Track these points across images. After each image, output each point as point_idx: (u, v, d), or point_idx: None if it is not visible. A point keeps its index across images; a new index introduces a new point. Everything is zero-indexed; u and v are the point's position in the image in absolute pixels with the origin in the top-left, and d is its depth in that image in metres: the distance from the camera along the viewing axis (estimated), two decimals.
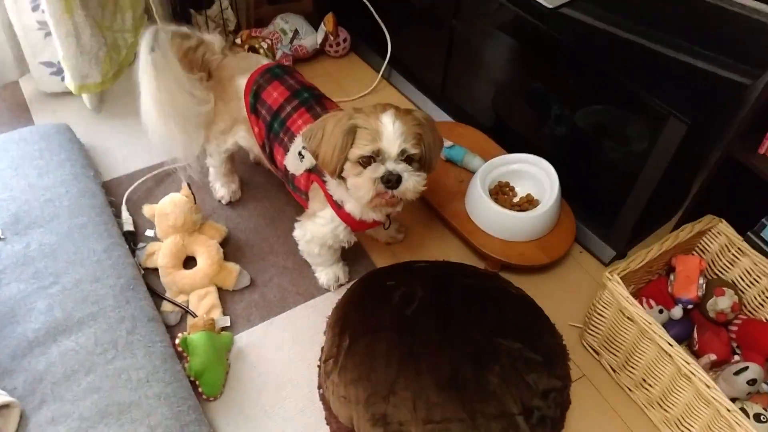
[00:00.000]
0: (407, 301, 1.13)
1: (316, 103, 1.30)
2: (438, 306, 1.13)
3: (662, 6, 1.47)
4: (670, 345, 1.14)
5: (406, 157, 1.13)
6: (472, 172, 1.56)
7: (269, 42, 1.90)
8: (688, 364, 1.11)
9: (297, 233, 1.36)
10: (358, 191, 1.15)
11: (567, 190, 1.47)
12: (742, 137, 1.24)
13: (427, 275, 1.20)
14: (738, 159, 1.26)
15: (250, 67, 1.36)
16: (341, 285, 1.44)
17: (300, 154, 1.28)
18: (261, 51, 1.89)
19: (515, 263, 1.42)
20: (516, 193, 1.53)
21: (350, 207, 1.24)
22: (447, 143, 1.60)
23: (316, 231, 1.31)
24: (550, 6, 1.42)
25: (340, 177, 1.17)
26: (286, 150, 1.30)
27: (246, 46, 1.90)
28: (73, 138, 1.61)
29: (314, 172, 1.27)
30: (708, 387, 1.08)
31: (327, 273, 1.43)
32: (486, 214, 1.45)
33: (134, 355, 1.19)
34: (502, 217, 1.43)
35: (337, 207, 1.26)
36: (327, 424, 1.16)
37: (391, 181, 1.12)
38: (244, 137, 1.41)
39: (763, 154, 1.24)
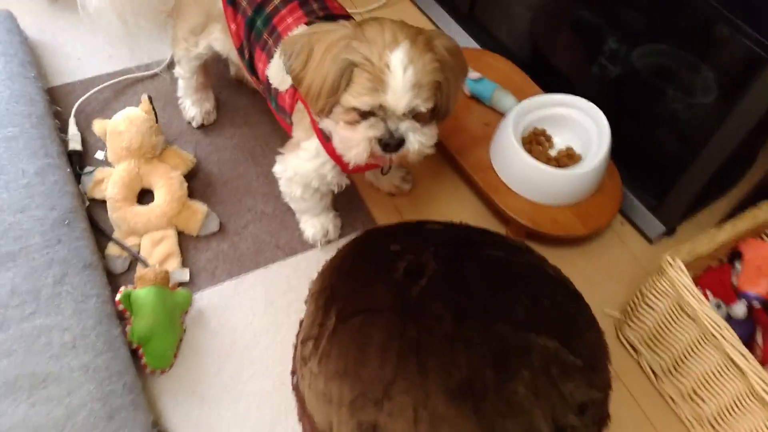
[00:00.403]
0: (414, 276, 0.86)
1: None
2: (454, 285, 0.86)
3: None
4: (745, 358, 0.89)
5: (414, 113, 0.85)
6: (502, 114, 1.28)
7: None
8: (766, 384, 0.87)
9: (277, 168, 1.08)
10: (347, 146, 0.89)
11: (614, 148, 1.19)
12: None
13: (442, 241, 0.93)
14: None
15: None
16: (330, 241, 1.18)
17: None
18: None
19: (545, 231, 1.16)
20: (553, 144, 1.25)
21: (330, 125, 0.94)
22: (473, 75, 1.30)
23: (299, 167, 1.04)
24: None
25: (325, 117, 0.89)
26: (270, 56, 1.00)
27: None
28: (14, 28, 1.30)
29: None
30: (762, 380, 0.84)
31: (314, 224, 1.16)
32: (516, 168, 1.17)
33: (60, 311, 0.93)
34: (536, 172, 1.15)
35: (325, 139, 0.97)
36: (299, 420, 0.92)
37: (391, 144, 0.85)
38: (220, 39, 1.11)
39: None
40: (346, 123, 0.87)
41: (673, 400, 1.05)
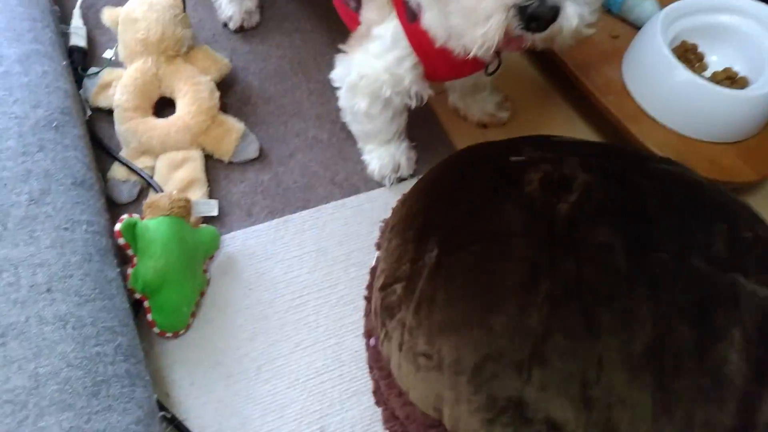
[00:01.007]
0: (558, 189, 0.56)
1: None
2: (620, 203, 0.56)
3: None
4: None
5: None
6: (635, 25, 0.97)
7: None
8: None
9: (337, 71, 0.79)
10: (469, 19, 0.57)
11: None
12: None
13: (587, 152, 0.63)
14: None
15: None
16: (402, 179, 0.88)
17: None
18: None
19: (704, 176, 0.84)
20: (706, 65, 0.93)
21: (431, 19, 0.65)
22: None
23: (367, 66, 0.74)
24: None
25: None
26: None
27: None
28: None
29: None
30: None
31: (381, 155, 0.87)
32: (665, 88, 0.86)
33: (35, 240, 0.65)
34: (696, 92, 0.83)
35: (409, 18, 0.67)
36: (377, 404, 0.63)
37: (541, 16, 0.55)
38: None
39: None
40: None
41: None
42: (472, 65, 0.72)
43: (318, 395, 0.69)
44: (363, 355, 0.71)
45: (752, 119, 0.85)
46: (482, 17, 0.55)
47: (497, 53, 0.69)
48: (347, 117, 0.84)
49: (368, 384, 0.69)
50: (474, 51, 0.58)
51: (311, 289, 0.77)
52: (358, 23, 0.76)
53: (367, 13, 0.73)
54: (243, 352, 0.72)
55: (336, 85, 0.80)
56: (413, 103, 0.78)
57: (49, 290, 0.63)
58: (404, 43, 0.70)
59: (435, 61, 0.71)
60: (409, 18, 0.67)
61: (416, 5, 0.66)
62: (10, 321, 0.60)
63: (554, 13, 0.54)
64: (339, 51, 0.79)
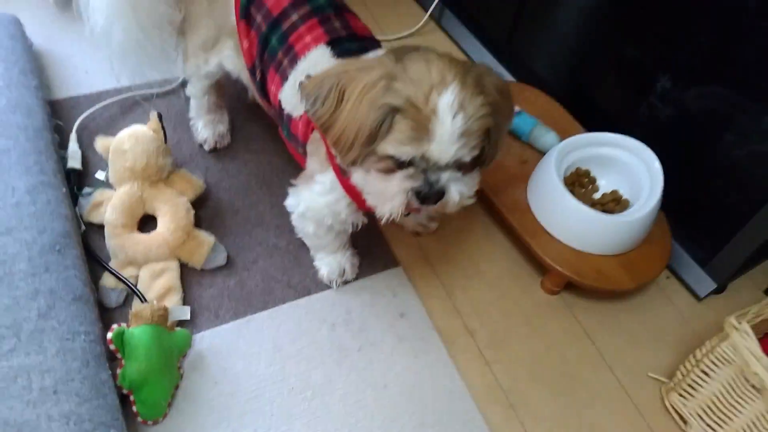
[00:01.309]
0: None
1: (335, 14, 0.91)
2: None
3: None
4: None
5: (458, 164, 0.75)
6: (540, 151, 1.18)
7: None
8: None
9: (289, 201, 0.98)
10: (380, 198, 0.79)
11: (663, 195, 1.08)
12: None
13: None
14: None
15: None
16: (347, 282, 1.07)
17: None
18: None
19: (589, 283, 1.04)
20: (598, 187, 1.14)
21: (357, 180, 0.84)
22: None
23: (312, 201, 0.93)
24: None
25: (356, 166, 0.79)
26: (284, 78, 0.91)
27: None
28: (18, 34, 1.22)
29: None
30: None
31: (329, 263, 1.05)
32: (557, 211, 1.07)
33: (43, 350, 0.82)
34: (581, 217, 1.04)
35: (342, 173, 0.87)
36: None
37: (430, 196, 0.75)
38: (231, 57, 1.02)
39: None
40: (380, 172, 0.77)
41: None
42: None
43: None
44: None
45: (629, 237, 1.06)
46: (388, 198, 0.75)
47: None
48: (300, 233, 1.03)
49: None
50: (385, 219, 0.78)
51: (266, 382, 0.94)
52: (303, 161, 0.95)
53: (311, 163, 0.92)
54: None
55: (289, 210, 0.99)
56: (351, 229, 0.97)
57: (55, 392, 0.79)
58: (339, 189, 0.89)
59: (363, 202, 0.90)
60: (342, 172, 0.87)
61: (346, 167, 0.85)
62: (25, 419, 0.76)
63: (441, 194, 0.74)
64: (295, 173, 0.97)
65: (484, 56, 1.44)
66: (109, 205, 1.03)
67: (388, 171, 0.76)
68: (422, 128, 0.71)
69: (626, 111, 1.22)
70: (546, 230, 1.08)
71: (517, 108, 1.21)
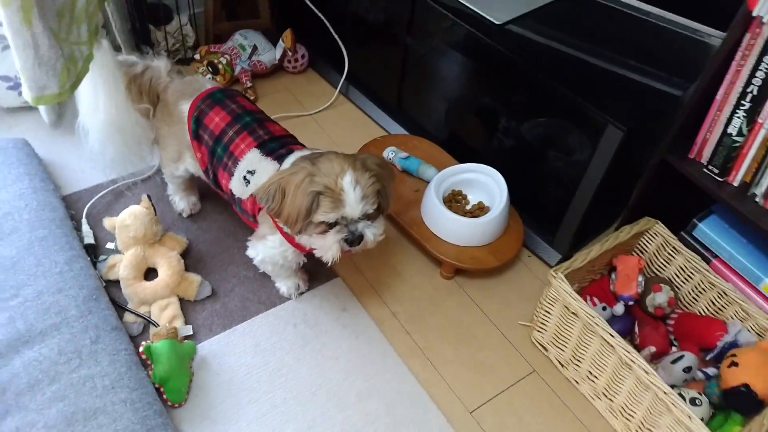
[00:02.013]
0: None
1: (258, 126, 1.33)
2: None
3: (600, 23, 1.57)
4: (612, 336, 1.22)
5: (366, 215, 1.19)
6: (427, 182, 1.64)
7: (228, 57, 1.95)
8: (629, 353, 1.20)
9: (249, 252, 1.40)
10: (324, 251, 1.21)
11: (515, 198, 1.56)
12: (675, 143, 1.34)
13: None
14: (671, 163, 1.35)
15: (194, 92, 1.38)
16: (302, 293, 1.49)
17: (245, 178, 1.30)
18: (220, 66, 1.93)
19: (468, 267, 1.50)
20: (468, 201, 1.60)
21: (300, 240, 1.26)
22: (402, 154, 1.67)
23: (267, 253, 1.36)
24: (498, 22, 1.50)
25: (302, 233, 1.21)
26: (231, 174, 1.32)
27: (205, 62, 1.94)
28: (31, 153, 1.62)
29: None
30: (647, 373, 1.17)
31: (286, 283, 1.47)
32: (440, 221, 1.52)
33: (99, 363, 1.21)
34: (455, 223, 1.50)
35: (285, 234, 1.29)
36: None
37: (354, 241, 1.19)
38: (192, 164, 1.44)
39: (693, 158, 1.34)
40: (318, 233, 1.19)
41: (576, 381, 1.37)
42: None
43: (264, 427, 1.25)
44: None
45: (491, 232, 1.52)
46: (328, 247, 1.18)
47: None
48: (261, 269, 1.43)
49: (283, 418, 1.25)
50: (330, 262, 1.21)
51: (253, 368, 1.34)
52: (255, 226, 1.37)
53: (263, 228, 1.34)
54: (219, 408, 1.26)
55: (250, 257, 1.40)
56: (296, 266, 1.39)
57: (113, 388, 1.17)
58: (286, 243, 1.31)
59: (304, 249, 1.31)
60: (285, 234, 1.29)
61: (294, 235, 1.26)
62: (97, 406, 1.14)
63: (361, 237, 1.18)
64: (249, 229, 1.40)
65: (382, 116, 1.91)
66: (121, 266, 1.43)
67: (324, 232, 1.18)
68: (338, 200, 1.14)
69: (483, 145, 1.70)
70: (436, 235, 1.53)
71: (406, 153, 1.68)
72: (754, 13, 1.09)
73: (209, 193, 1.68)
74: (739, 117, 1.22)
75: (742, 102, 1.20)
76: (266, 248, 1.35)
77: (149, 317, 1.39)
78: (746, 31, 1.14)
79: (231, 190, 1.34)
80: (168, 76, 1.43)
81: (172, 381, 1.26)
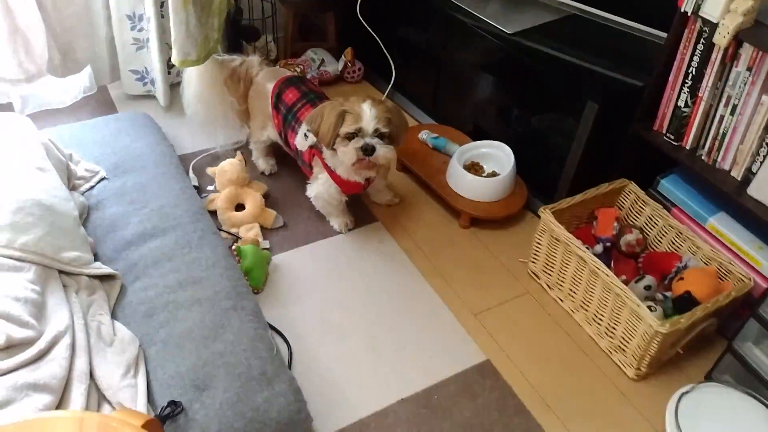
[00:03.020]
0: None
1: (319, 101, 1.80)
2: None
3: (584, 33, 2.02)
4: (584, 251, 1.61)
5: (379, 134, 1.62)
6: (451, 156, 2.08)
7: (302, 67, 2.47)
8: (595, 262, 1.58)
9: (308, 190, 1.87)
10: (345, 156, 1.64)
11: (521, 170, 1.98)
12: (642, 119, 1.75)
13: None
14: (641, 135, 1.76)
15: (277, 76, 1.91)
16: (350, 229, 1.92)
17: (305, 135, 1.77)
18: (296, 73, 2.45)
19: (482, 216, 1.91)
20: (484, 169, 2.04)
21: (340, 171, 1.75)
22: (433, 135, 2.13)
23: (317, 189, 1.82)
24: (509, 32, 1.98)
25: (333, 149, 1.66)
26: (295, 133, 1.81)
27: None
28: (153, 122, 2.14)
29: (315, 148, 1.78)
30: (608, 275, 1.54)
31: (338, 220, 1.91)
32: (461, 182, 1.95)
33: (203, 250, 1.65)
34: (473, 182, 1.93)
35: (331, 171, 1.76)
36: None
37: (368, 149, 1.61)
38: (272, 131, 1.94)
39: (656, 130, 1.74)
40: (343, 146, 1.64)
41: (560, 300, 1.75)
42: (360, 187, 1.80)
43: (319, 309, 1.67)
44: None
45: (501, 190, 1.94)
46: (348, 153, 1.63)
47: (367, 181, 1.78)
48: (317, 207, 1.89)
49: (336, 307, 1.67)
50: (349, 165, 1.66)
51: (309, 278, 1.77)
52: (311, 174, 1.84)
53: (315, 170, 1.82)
54: (285, 298, 1.69)
55: (308, 195, 1.86)
56: (336, 202, 1.84)
57: (213, 265, 1.60)
58: (330, 180, 1.77)
59: (343, 185, 1.78)
60: (331, 171, 1.75)
61: (333, 167, 1.74)
62: (202, 276, 1.57)
63: (373, 149, 1.63)
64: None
65: (421, 114, 2.38)
66: (219, 199, 1.91)
67: (347, 145, 1.62)
68: (357, 117, 1.60)
69: (497, 131, 2.14)
70: (458, 193, 1.96)
71: (436, 134, 2.13)
72: (683, 9, 1.52)
73: (284, 160, 2.17)
74: (684, 93, 1.63)
75: (686, 81, 1.62)
76: (317, 185, 1.81)
77: (238, 234, 1.84)
78: (685, 27, 1.57)
79: (296, 146, 1.82)
80: (259, 66, 1.96)
81: (255, 271, 1.70)
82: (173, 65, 2.26)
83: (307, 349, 1.58)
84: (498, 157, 2.02)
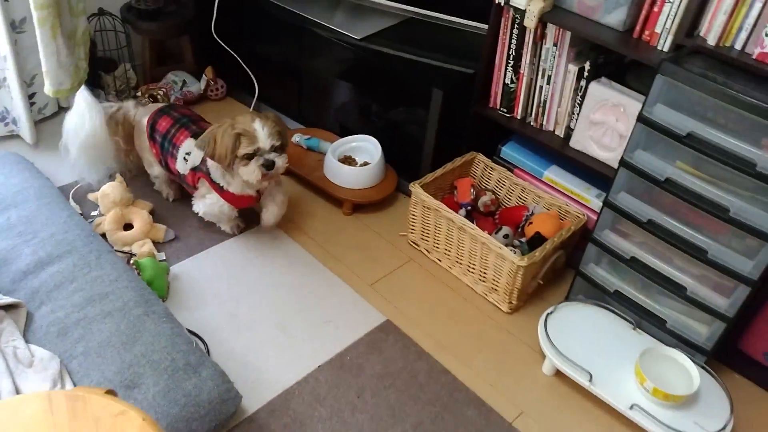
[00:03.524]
0: None
1: (192, 123, 1.93)
2: None
3: (422, 34, 2.32)
4: (450, 213, 1.87)
5: (274, 148, 1.77)
6: (325, 153, 2.28)
7: (164, 90, 2.55)
8: (461, 220, 1.85)
9: (195, 208, 1.96)
10: (249, 175, 1.76)
11: (389, 157, 2.22)
12: (479, 99, 2.06)
13: None
14: (480, 113, 2.08)
15: (150, 110, 2.00)
16: (242, 230, 2.05)
17: (185, 158, 1.88)
18: (159, 97, 2.52)
19: (362, 201, 2.13)
20: (357, 161, 2.26)
21: (232, 188, 1.85)
22: (306, 137, 2.32)
23: (207, 207, 1.92)
24: (357, 38, 2.22)
25: (231, 168, 1.78)
26: (175, 158, 1.91)
27: (147, 95, 2.53)
28: (24, 159, 2.12)
29: (199, 171, 1.88)
30: (473, 229, 1.82)
31: (228, 224, 2.03)
32: (339, 174, 2.16)
33: (103, 268, 1.71)
34: (349, 173, 2.14)
35: (220, 190, 1.86)
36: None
37: (269, 165, 1.76)
38: (159, 167, 2.03)
39: (492, 107, 2.06)
40: (243, 165, 1.77)
41: (439, 260, 2.00)
42: (252, 200, 1.94)
43: (222, 310, 1.78)
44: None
45: (373, 177, 2.17)
46: (252, 172, 1.76)
47: (258, 193, 1.92)
48: (206, 219, 2.00)
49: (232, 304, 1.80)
50: (254, 182, 1.80)
51: (210, 281, 1.88)
52: (196, 189, 1.95)
53: (201, 190, 1.92)
54: (188, 302, 1.79)
55: (196, 211, 1.96)
56: (229, 218, 1.97)
57: (116, 280, 1.67)
58: (221, 199, 1.89)
59: (238, 202, 1.91)
60: (221, 189, 1.87)
61: (225, 185, 1.85)
62: (108, 291, 1.63)
63: (273, 163, 1.78)
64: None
65: (288, 121, 2.56)
66: (105, 222, 1.95)
67: (246, 162, 1.76)
68: (252, 137, 1.72)
69: (362, 127, 2.37)
70: (337, 184, 2.16)
71: (309, 136, 2.32)
72: (497, 1, 1.85)
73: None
74: (509, 72, 1.96)
75: (509, 62, 1.95)
76: (205, 204, 1.91)
77: (131, 252, 1.90)
78: (501, 17, 1.90)
79: (177, 170, 1.92)
80: (135, 108, 2.04)
81: (156, 282, 1.78)
82: (35, 102, 2.27)
83: (222, 342, 1.69)
84: (367, 148, 2.25)
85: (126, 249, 1.92)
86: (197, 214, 1.96)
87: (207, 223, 2.05)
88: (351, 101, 2.39)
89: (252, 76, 2.59)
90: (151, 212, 2.05)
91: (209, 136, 1.75)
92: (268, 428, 1.50)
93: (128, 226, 2.00)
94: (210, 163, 1.84)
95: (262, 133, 1.73)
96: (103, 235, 1.94)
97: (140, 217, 1.99)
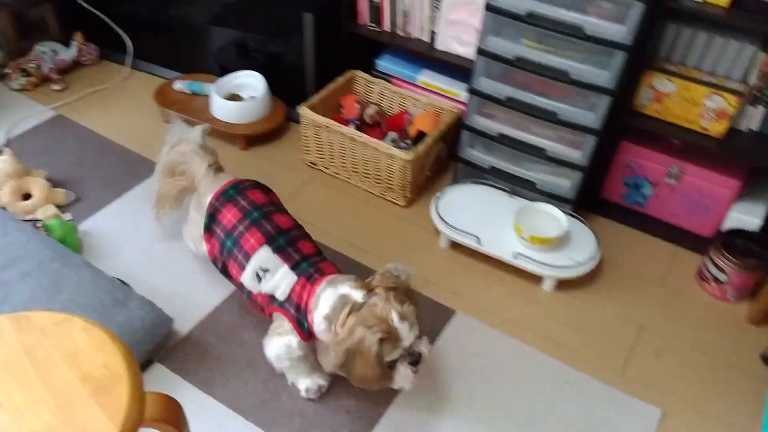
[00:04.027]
0: None
1: (265, 220, 1.47)
2: None
3: None
4: (339, 126, 2.01)
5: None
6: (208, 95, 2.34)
7: (36, 63, 2.50)
8: (351, 132, 1.99)
9: (267, 350, 1.45)
10: (400, 382, 1.31)
11: (275, 90, 2.32)
12: (348, 17, 2.18)
13: None
14: (352, 31, 2.20)
15: (215, 188, 1.56)
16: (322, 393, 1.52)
17: (257, 275, 1.42)
18: (31, 70, 2.47)
19: (254, 134, 2.23)
20: (243, 98, 2.33)
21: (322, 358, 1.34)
22: (188, 82, 2.37)
23: (283, 351, 1.42)
24: None
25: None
26: (242, 267, 1.44)
27: (18, 70, 2.47)
28: None
29: (277, 305, 1.41)
30: (362, 137, 1.97)
31: (305, 382, 1.50)
32: (228, 111, 2.24)
33: (12, 235, 1.73)
34: (237, 108, 2.23)
35: (306, 335, 1.37)
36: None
37: (417, 361, 1.31)
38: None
39: (361, 24, 2.19)
40: (390, 373, 1.29)
41: (337, 174, 2.15)
42: None
43: (138, 260, 1.86)
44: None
45: (260, 109, 2.26)
46: (403, 380, 1.30)
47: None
48: (279, 366, 1.47)
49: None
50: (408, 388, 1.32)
51: (119, 231, 1.94)
52: (263, 313, 1.47)
53: (282, 326, 1.40)
54: (102, 252, 1.85)
55: (266, 354, 1.45)
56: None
57: (28, 242, 1.71)
58: (304, 346, 1.39)
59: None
60: (305, 337, 1.36)
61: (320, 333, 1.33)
62: (23, 252, 1.68)
63: (420, 357, 1.30)
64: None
65: (166, 71, 2.58)
66: (2, 196, 1.96)
67: (396, 370, 1.28)
68: (396, 339, 1.24)
69: (243, 63, 2.44)
70: (228, 122, 2.24)
71: (190, 80, 2.37)
72: None
73: (49, 141, 2.23)
74: None
75: None
76: (281, 347, 1.41)
77: (36, 218, 1.93)
78: None
79: (242, 282, 1.47)
80: (206, 171, 1.64)
81: (68, 240, 1.82)
82: None
83: (143, 283, 1.77)
84: (251, 84, 2.33)
85: (30, 217, 1.94)
86: (268, 357, 1.46)
87: (104, 179, 2.09)
88: (227, 41, 2.45)
89: (123, 34, 2.58)
90: (48, 179, 2.06)
91: (344, 356, 1.28)
92: (204, 341, 1.62)
93: (27, 197, 2.01)
94: (320, 330, 1.34)
95: (406, 331, 1.27)
96: (3, 209, 1.95)
97: (38, 185, 2.00)
